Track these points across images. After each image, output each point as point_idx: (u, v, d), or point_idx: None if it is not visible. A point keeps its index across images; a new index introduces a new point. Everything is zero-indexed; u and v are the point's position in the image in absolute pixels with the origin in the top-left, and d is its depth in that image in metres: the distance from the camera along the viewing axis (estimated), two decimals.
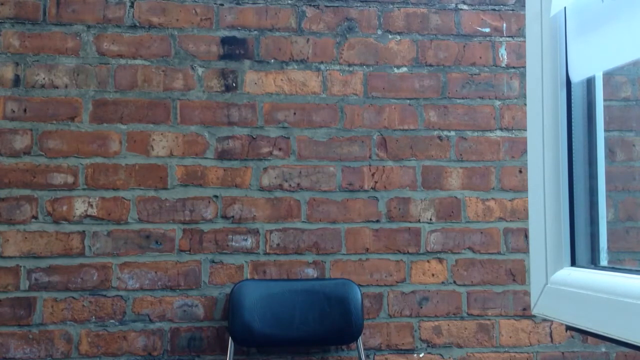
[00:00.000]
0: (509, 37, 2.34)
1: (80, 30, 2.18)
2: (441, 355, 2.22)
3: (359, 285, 2.15)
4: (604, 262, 0.79)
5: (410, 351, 2.21)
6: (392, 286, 2.22)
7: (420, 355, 2.22)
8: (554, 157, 0.81)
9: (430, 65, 2.30)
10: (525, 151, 2.32)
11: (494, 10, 2.34)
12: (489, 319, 2.25)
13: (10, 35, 2.14)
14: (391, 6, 2.31)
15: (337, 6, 2.28)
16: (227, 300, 2.13)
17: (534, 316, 2.24)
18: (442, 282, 2.24)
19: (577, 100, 0.81)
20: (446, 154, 2.27)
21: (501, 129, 2.31)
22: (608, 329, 0.68)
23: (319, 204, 2.22)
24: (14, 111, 2.12)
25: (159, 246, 2.14)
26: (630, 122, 2.38)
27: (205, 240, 2.16)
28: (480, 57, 2.32)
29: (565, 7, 0.80)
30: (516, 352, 2.24)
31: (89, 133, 2.15)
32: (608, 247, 0.82)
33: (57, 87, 2.15)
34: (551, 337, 2.26)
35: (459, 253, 2.26)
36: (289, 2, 2.27)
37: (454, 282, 2.25)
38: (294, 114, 2.23)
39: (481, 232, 2.27)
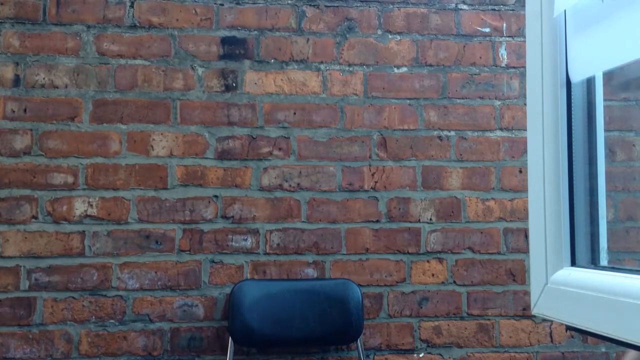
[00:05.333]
0: (509, 37, 2.34)
1: (80, 30, 2.18)
2: (441, 355, 2.22)
3: (359, 285, 2.15)
4: (604, 262, 0.79)
5: (410, 351, 2.21)
6: (392, 286, 2.22)
7: (420, 355, 2.22)
8: (554, 157, 0.81)
9: (430, 65, 2.30)
10: (525, 151, 2.32)
11: (494, 10, 2.34)
12: (489, 319, 2.25)
13: (10, 35, 2.14)
14: (391, 6, 2.31)
15: (337, 6, 2.28)
16: (227, 300, 2.13)
17: (534, 316, 2.24)
18: (442, 282, 2.24)
19: (577, 100, 0.81)
20: (446, 154, 2.27)
21: (501, 129, 2.31)
22: (608, 329, 0.68)
23: (319, 204, 2.22)
24: (14, 111, 2.12)
25: (159, 246, 2.14)
26: (630, 122, 2.38)
27: (205, 240, 2.16)
28: (480, 57, 2.32)
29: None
30: (516, 352, 2.24)
31: (89, 133, 2.15)
32: (608, 247, 0.81)
33: (57, 87, 2.15)
34: (551, 337, 2.26)
35: (459, 253, 2.26)
36: (289, 2, 2.27)
37: (454, 282, 2.25)
38: (294, 114, 2.23)
39: (481, 232, 2.27)
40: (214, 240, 2.16)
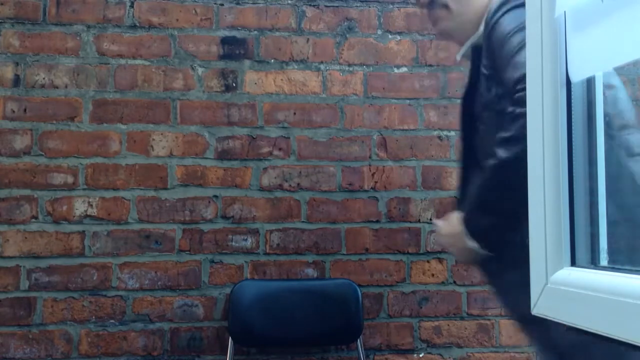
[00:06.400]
0: None
1: (80, 30, 2.18)
2: (441, 355, 2.22)
3: (359, 285, 2.15)
4: (604, 262, 0.79)
5: (410, 351, 2.21)
6: (392, 286, 2.22)
7: (420, 355, 2.22)
8: (554, 157, 0.81)
9: (430, 65, 2.30)
10: None
11: None
12: (489, 319, 2.25)
13: (10, 35, 2.14)
14: (391, 6, 2.30)
15: (337, 6, 2.28)
16: (227, 300, 2.13)
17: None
18: (442, 282, 2.24)
19: (577, 100, 0.81)
20: (446, 154, 2.27)
21: None
22: (608, 329, 0.68)
23: (319, 204, 2.22)
24: (14, 111, 2.12)
25: (159, 246, 2.14)
26: None
27: (205, 240, 2.16)
28: None
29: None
30: (516, 352, 2.24)
31: (89, 133, 2.15)
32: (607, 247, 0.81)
33: (57, 87, 2.15)
34: None
35: None
36: (289, 2, 2.27)
37: (454, 282, 2.25)
38: (294, 114, 2.23)
39: None
40: (214, 240, 2.16)
